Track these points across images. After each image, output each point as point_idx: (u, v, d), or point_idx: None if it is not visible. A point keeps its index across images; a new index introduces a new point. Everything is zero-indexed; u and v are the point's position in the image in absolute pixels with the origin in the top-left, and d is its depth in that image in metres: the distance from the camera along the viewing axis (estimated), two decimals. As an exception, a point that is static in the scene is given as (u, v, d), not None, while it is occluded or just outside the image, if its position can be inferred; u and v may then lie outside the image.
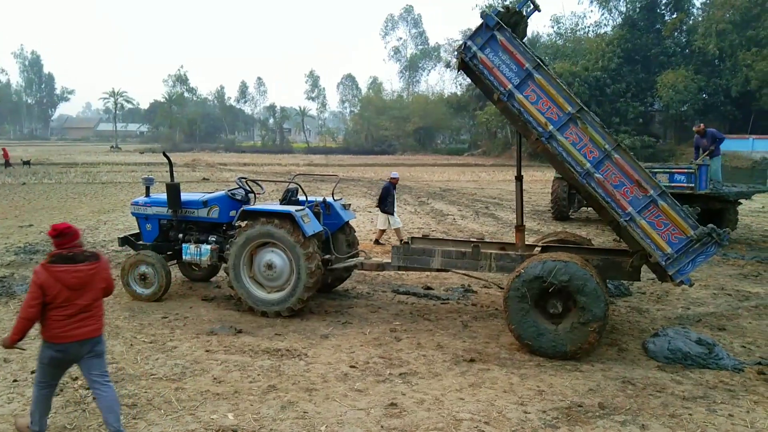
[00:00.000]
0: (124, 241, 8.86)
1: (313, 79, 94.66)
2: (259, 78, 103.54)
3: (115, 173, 32.97)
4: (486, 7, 56.63)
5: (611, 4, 54.11)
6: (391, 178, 12.81)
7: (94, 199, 20.54)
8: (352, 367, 5.86)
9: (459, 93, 66.97)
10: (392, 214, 12.43)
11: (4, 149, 35.48)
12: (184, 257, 8.24)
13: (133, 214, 8.82)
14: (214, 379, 5.50)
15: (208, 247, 8.08)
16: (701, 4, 49.68)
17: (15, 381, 5.38)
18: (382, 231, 12.67)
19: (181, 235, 8.50)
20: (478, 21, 6.13)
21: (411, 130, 71.20)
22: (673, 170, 13.28)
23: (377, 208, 12.93)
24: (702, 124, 14.21)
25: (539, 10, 6.60)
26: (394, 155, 65.37)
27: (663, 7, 49.22)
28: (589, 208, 15.85)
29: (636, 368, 6.01)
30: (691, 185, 12.64)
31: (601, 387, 5.47)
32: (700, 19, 46.65)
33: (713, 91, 42.37)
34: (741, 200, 13.99)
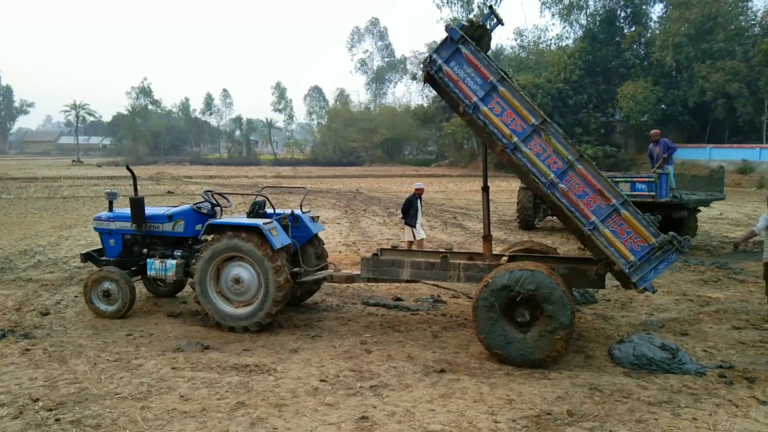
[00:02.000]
0: (86, 257, 8.63)
1: (280, 91, 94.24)
2: (225, 90, 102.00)
3: (77, 187, 32.19)
4: (450, 20, 57.43)
5: (572, 17, 55.41)
6: (416, 189, 12.10)
7: (55, 215, 20.01)
8: (322, 381, 5.82)
9: (425, 105, 67.55)
10: (414, 227, 11.81)
11: None
12: (149, 273, 8.08)
13: (96, 229, 8.62)
14: (181, 397, 5.38)
15: (174, 261, 7.93)
16: (658, 17, 51.35)
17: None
18: (410, 242, 12.02)
19: (145, 250, 8.33)
20: (443, 34, 6.21)
21: (378, 142, 71.48)
22: (635, 179, 13.63)
23: (402, 221, 12.29)
24: (658, 131, 14.62)
25: (503, 24, 6.72)
26: (362, 166, 65.44)
27: (621, 21, 50.65)
28: (554, 217, 16.13)
29: (603, 375, 6.11)
30: (652, 194, 12.98)
31: (569, 394, 5.54)
32: (657, 32, 48.10)
33: (671, 102, 43.71)
34: (700, 208, 14.42)
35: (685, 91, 42.55)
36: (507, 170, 31.63)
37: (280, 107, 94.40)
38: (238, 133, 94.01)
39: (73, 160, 72.43)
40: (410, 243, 12.05)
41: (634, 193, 12.98)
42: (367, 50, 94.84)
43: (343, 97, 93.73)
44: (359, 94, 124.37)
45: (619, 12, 50.27)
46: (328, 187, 34.14)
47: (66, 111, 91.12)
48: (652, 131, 14.72)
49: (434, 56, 6.21)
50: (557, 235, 16.27)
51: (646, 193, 13.04)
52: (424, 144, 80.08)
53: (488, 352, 6.44)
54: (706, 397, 5.52)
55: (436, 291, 9.43)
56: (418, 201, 11.96)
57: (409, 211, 11.82)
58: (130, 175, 8.89)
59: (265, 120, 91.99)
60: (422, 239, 12.14)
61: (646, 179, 13.24)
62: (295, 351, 6.76)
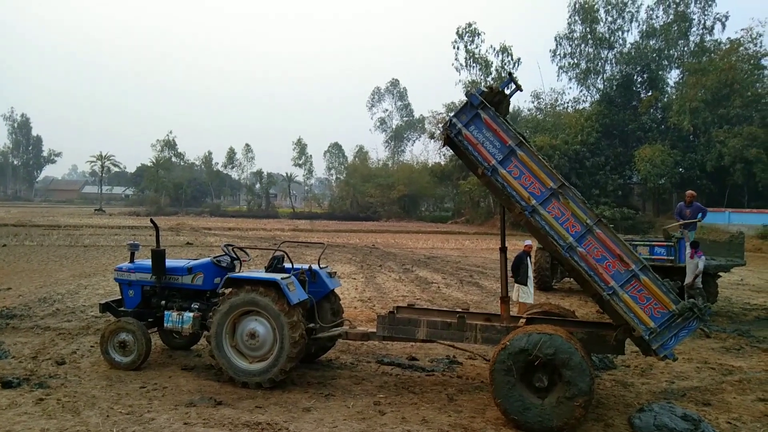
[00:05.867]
0: (105, 307, 8.70)
1: (301, 147, 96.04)
2: (248, 144, 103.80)
3: (98, 236, 32.69)
4: (469, 83, 58.89)
5: (589, 81, 56.55)
6: (525, 245, 12.02)
7: (75, 263, 20.28)
8: (334, 441, 5.72)
9: (443, 163, 68.34)
10: (525, 284, 11.62)
11: None
12: (165, 324, 8.10)
13: (117, 279, 8.73)
14: (192, 453, 5.32)
15: (191, 314, 7.97)
16: (674, 83, 52.18)
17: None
18: (523, 304, 11.61)
19: (163, 302, 8.39)
20: (461, 96, 6.43)
21: (396, 198, 72.04)
22: (653, 243, 13.53)
23: (512, 278, 11.87)
24: (693, 193, 14.41)
25: (521, 90, 6.89)
26: (379, 222, 65.79)
27: (638, 85, 51.51)
28: (572, 279, 15.98)
29: (623, 445, 5.94)
30: (671, 258, 12.86)
31: (589, 465, 5.37)
32: (674, 97, 48.73)
33: (689, 166, 43.79)
34: (720, 273, 14.21)
35: (703, 155, 42.67)
36: (523, 229, 31.55)
37: (300, 162, 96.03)
38: (258, 186, 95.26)
39: (96, 209, 73.74)
40: (521, 305, 11.61)
41: (653, 257, 12.89)
42: (386, 109, 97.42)
43: (362, 153, 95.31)
44: (378, 151, 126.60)
45: (635, 77, 51.20)
46: (345, 242, 34.27)
47: (92, 161, 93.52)
48: (688, 192, 14.58)
49: (454, 120, 6.37)
50: (575, 296, 16.07)
51: (665, 257, 12.93)
52: (441, 201, 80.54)
53: (505, 418, 6.30)
54: (732, 473, 5.31)
55: (452, 351, 9.31)
56: (528, 258, 11.80)
57: (520, 269, 11.67)
58: (151, 225, 9.06)
59: (285, 174, 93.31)
60: (528, 303, 11.49)
61: (665, 243, 13.15)
62: (308, 410, 6.67)
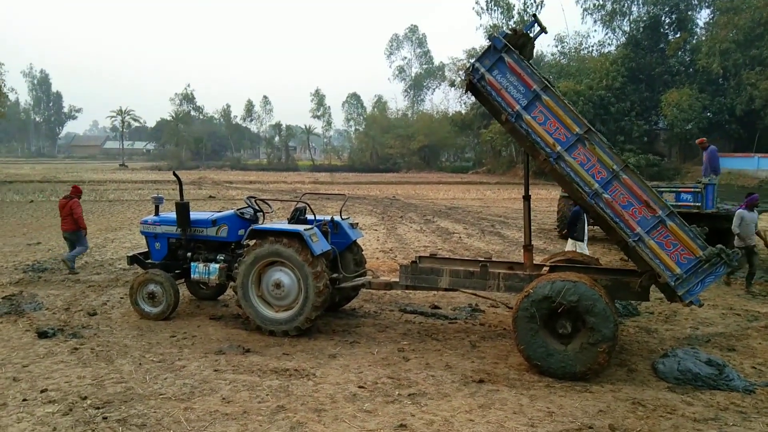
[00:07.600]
0: (132, 259, 8.89)
1: (319, 98, 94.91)
2: (265, 97, 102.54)
3: (122, 191, 33.15)
4: (490, 27, 57.21)
5: (614, 24, 54.61)
6: None
7: (101, 217, 20.64)
8: (360, 387, 5.85)
9: (463, 112, 67.20)
10: (581, 241, 11.10)
11: None
12: (192, 276, 8.26)
13: (143, 232, 8.87)
14: (223, 399, 5.49)
15: (217, 265, 8.10)
16: (704, 23, 50.14)
17: (24, 400, 5.38)
18: None
19: (189, 254, 8.53)
20: (482, 41, 6.26)
21: (416, 148, 71.41)
22: (680, 189, 13.32)
23: (566, 233, 11.63)
24: (701, 139, 14.45)
25: (546, 32, 6.66)
26: (399, 173, 65.55)
27: (666, 27, 49.62)
28: (596, 227, 15.84)
29: (646, 389, 5.98)
30: (697, 204, 12.65)
31: (611, 408, 5.43)
32: (703, 38, 46.94)
33: (718, 110, 42.52)
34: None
35: (733, 98, 41.35)
36: (547, 178, 31.26)
37: (318, 114, 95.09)
38: (277, 139, 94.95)
39: (120, 165, 74.54)
40: None
41: (679, 203, 12.70)
42: (405, 57, 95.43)
43: (380, 103, 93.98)
44: (397, 100, 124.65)
45: (663, 18, 49.28)
46: (365, 193, 34.30)
47: (112, 116, 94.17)
48: (698, 140, 14.47)
49: (477, 64, 6.20)
50: (598, 245, 15.97)
51: (692, 204, 12.73)
52: (462, 151, 79.68)
53: (528, 364, 6.37)
54: (756, 416, 5.34)
55: (474, 300, 9.38)
56: (585, 214, 11.16)
57: (576, 224, 11.20)
58: (175, 179, 9.12)
59: (303, 126, 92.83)
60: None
61: (692, 189, 12.93)
62: (334, 356, 6.81)
